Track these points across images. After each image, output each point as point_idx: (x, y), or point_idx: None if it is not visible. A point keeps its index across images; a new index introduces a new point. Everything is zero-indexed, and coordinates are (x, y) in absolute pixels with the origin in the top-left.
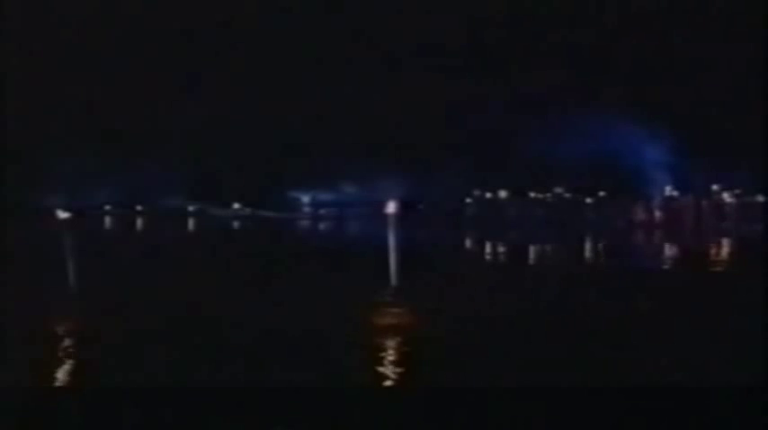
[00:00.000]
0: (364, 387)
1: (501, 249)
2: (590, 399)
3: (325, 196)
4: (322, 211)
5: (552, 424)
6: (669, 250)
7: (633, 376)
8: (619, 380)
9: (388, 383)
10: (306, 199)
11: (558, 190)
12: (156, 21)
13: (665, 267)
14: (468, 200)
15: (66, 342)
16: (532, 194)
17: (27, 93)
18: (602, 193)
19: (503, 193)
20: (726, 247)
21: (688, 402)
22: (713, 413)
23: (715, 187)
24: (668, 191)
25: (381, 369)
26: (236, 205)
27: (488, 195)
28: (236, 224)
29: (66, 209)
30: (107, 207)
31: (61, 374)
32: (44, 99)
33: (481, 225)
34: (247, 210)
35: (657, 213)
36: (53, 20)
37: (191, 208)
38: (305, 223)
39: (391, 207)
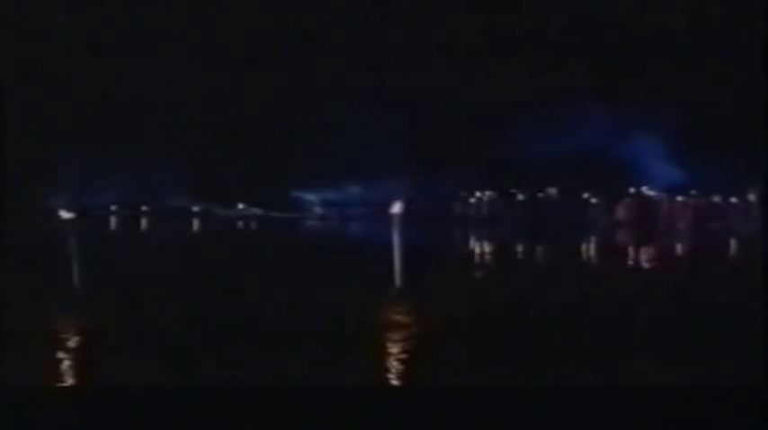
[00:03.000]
0: (365, 387)
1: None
2: (589, 399)
3: (326, 196)
4: (327, 212)
5: (551, 424)
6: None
7: (632, 376)
8: (617, 380)
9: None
10: (312, 198)
11: (552, 190)
12: (161, 19)
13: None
14: (471, 200)
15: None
16: (521, 196)
17: (30, 92)
18: (585, 195)
19: (495, 194)
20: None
21: (688, 402)
22: (713, 413)
23: (645, 188)
24: (637, 190)
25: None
26: (241, 205)
27: (483, 195)
28: (249, 225)
29: (71, 209)
30: (112, 207)
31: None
32: (48, 98)
33: (481, 226)
34: (255, 210)
35: (630, 212)
36: (56, 18)
37: (195, 208)
38: (315, 224)
39: (396, 207)
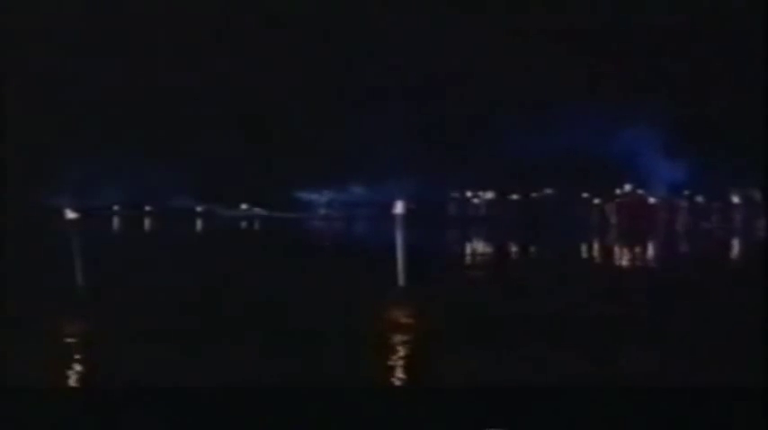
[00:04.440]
0: (365, 387)
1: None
2: (589, 399)
3: (329, 196)
4: (330, 212)
5: (551, 424)
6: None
7: (632, 376)
8: (617, 380)
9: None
10: (315, 198)
11: (548, 190)
12: (162, 18)
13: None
14: (475, 200)
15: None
16: (516, 196)
17: (32, 91)
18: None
19: (490, 194)
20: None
21: (688, 402)
22: (713, 413)
23: (628, 187)
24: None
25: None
26: (244, 205)
27: (483, 195)
28: (252, 225)
29: (74, 209)
30: (115, 207)
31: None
32: (50, 98)
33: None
34: (257, 210)
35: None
36: (57, 17)
37: (198, 208)
38: (320, 224)
39: (398, 208)
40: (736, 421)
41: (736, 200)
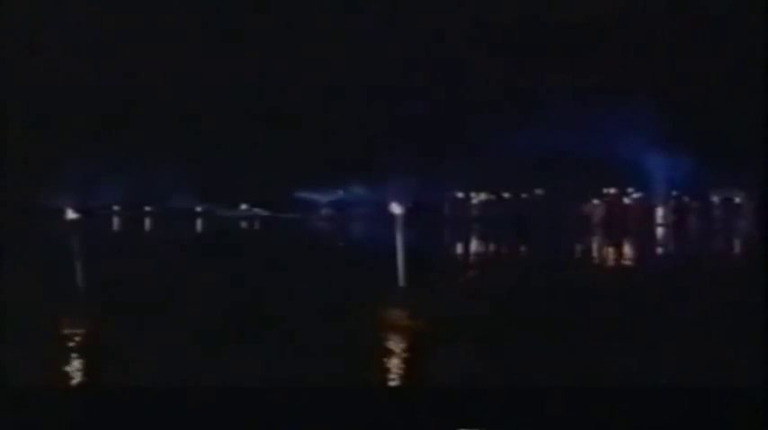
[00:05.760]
0: (365, 387)
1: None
2: (587, 399)
3: (327, 196)
4: (330, 212)
5: (550, 424)
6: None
7: (631, 376)
8: (616, 381)
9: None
10: (315, 198)
11: (538, 191)
12: (163, 18)
13: None
14: (474, 201)
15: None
16: (507, 195)
17: (32, 90)
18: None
19: (483, 195)
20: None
21: (688, 402)
22: (713, 413)
23: (613, 190)
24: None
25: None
26: (244, 206)
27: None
28: (254, 225)
29: (75, 209)
30: (115, 208)
31: None
32: (50, 97)
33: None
34: (257, 211)
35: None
36: (58, 18)
37: (198, 209)
38: (321, 224)
39: (396, 208)
40: (736, 421)
41: (717, 199)
